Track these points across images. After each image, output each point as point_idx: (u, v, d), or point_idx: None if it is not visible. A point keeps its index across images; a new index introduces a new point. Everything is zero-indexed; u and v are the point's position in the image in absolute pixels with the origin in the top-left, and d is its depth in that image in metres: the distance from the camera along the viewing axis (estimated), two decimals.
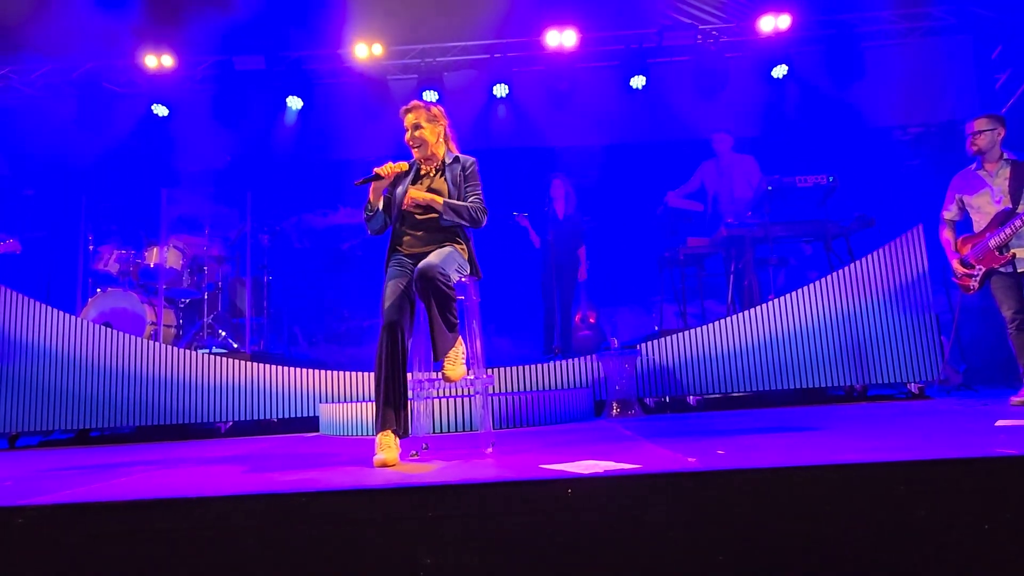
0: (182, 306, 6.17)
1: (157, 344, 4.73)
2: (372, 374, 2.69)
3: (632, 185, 7.56)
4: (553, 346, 6.01)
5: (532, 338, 6.58)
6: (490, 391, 3.58)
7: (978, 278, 3.83)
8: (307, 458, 2.91)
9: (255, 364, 4.71)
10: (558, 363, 4.76)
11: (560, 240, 6.07)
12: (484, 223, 2.86)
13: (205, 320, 5.96)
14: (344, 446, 3.44)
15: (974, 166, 3.92)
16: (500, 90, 7.48)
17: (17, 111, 7.61)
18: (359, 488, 1.78)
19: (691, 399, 4.76)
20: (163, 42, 7.04)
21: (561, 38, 7.11)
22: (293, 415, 4.66)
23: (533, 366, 4.73)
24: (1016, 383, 3.87)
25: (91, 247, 5.88)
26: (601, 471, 1.86)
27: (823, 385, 4.59)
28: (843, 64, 7.06)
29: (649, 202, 6.60)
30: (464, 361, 2.69)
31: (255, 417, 4.66)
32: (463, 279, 2.86)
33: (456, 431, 3.89)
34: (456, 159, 2.94)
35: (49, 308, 4.66)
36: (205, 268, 6.00)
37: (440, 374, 2.65)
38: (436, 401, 3.89)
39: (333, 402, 4.51)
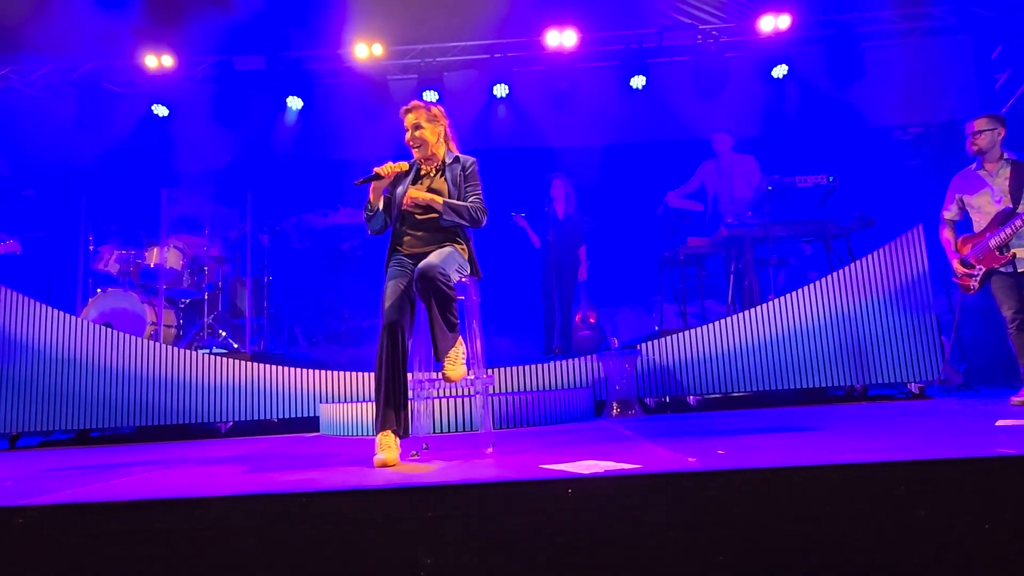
0: (182, 306, 6.18)
1: (157, 344, 4.73)
2: (372, 374, 2.69)
3: (632, 185, 7.56)
4: (553, 346, 6.01)
5: (532, 338, 6.58)
6: (490, 391, 3.58)
7: (978, 278, 3.83)
8: (307, 458, 2.91)
9: (255, 364, 4.71)
10: (558, 363, 4.76)
11: (560, 240, 6.07)
12: (484, 223, 2.86)
13: (205, 320, 5.97)
14: (344, 446, 3.44)
15: (974, 166, 3.92)
16: (500, 90, 7.48)
17: (17, 111, 7.61)
18: (359, 488, 1.78)
19: (691, 399, 4.76)
20: (163, 42, 7.05)
21: (561, 38, 7.11)
22: (293, 415, 4.66)
23: (533, 366, 4.73)
24: (1016, 383, 3.87)
25: (91, 247, 5.88)
26: (601, 471, 1.86)
27: (823, 385, 4.59)
28: (843, 64, 7.07)
29: (649, 202, 6.59)
30: (464, 361, 2.69)
31: (255, 417, 4.66)
32: (463, 279, 2.86)
33: (456, 431, 3.89)
34: (456, 159, 2.94)
35: (49, 308, 4.66)
36: (205, 268, 6.00)
37: (440, 374, 2.65)
38: (436, 401, 3.88)
39: (333, 402, 4.51)
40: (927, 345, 4.54)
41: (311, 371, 4.71)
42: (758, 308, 4.71)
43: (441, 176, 2.90)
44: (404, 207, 2.82)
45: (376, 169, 2.77)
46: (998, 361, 5.32)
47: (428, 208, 2.80)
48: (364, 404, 4.05)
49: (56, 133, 7.47)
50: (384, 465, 2.42)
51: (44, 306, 4.65)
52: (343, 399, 4.61)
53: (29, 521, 1.71)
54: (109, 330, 4.69)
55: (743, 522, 1.64)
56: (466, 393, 4.03)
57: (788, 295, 4.69)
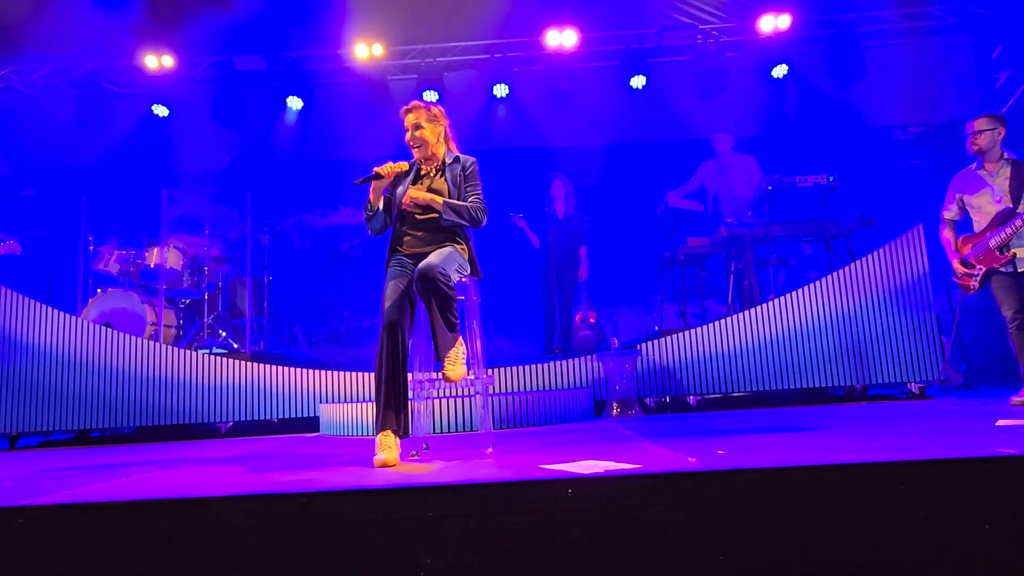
0: (182, 306, 6.18)
1: (157, 344, 4.73)
2: (372, 374, 2.69)
3: (632, 185, 7.56)
4: (553, 346, 6.01)
5: (532, 338, 6.58)
6: (490, 391, 3.58)
7: (978, 278, 3.83)
8: (307, 458, 2.91)
9: (255, 364, 4.71)
10: (558, 363, 4.76)
11: (560, 240, 6.07)
12: (484, 223, 2.86)
13: (205, 320, 5.97)
14: (344, 446, 3.44)
15: (974, 166, 3.92)
16: (500, 90, 7.48)
17: (17, 111, 7.61)
18: (359, 488, 1.78)
19: (691, 399, 4.76)
20: (163, 42, 7.05)
21: (561, 38, 7.11)
22: (293, 415, 4.66)
23: (533, 366, 4.73)
24: (1016, 383, 3.87)
25: (91, 247, 5.88)
26: (601, 471, 1.86)
27: (823, 385, 4.59)
28: (843, 64, 7.06)
29: (649, 202, 6.59)
30: (464, 361, 2.69)
31: (255, 417, 4.66)
32: (463, 279, 2.86)
33: (456, 431, 3.89)
34: (456, 159, 2.94)
35: (49, 308, 4.66)
36: (205, 268, 6.00)
37: (440, 374, 2.65)
38: (436, 401, 3.88)
39: (333, 402, 4.51)
40: (927, 345, 4.54)
41: (311, 371, 4.71)
42: (758, 308, 4.71)
43: (441, 176, 2.90)
44: (404, 207, 2.82)
45: (376, 169, 2.77)
46: (998, 361, 5.32)
47: (428, 208, 2.80)
48: (364, 404, 4.05)
49: (56, 133, 7.47)
50: (384, 465, 2.42)
51: (44, 306, 4.65)
52: (343, 399, 4.61)
53: (29, 521, 1.71)
54: (109, 330, 4.69)
55: (743, 522, 1.64)
56: (466, 393, 4.03)
57: (788, 295, 4.69)
